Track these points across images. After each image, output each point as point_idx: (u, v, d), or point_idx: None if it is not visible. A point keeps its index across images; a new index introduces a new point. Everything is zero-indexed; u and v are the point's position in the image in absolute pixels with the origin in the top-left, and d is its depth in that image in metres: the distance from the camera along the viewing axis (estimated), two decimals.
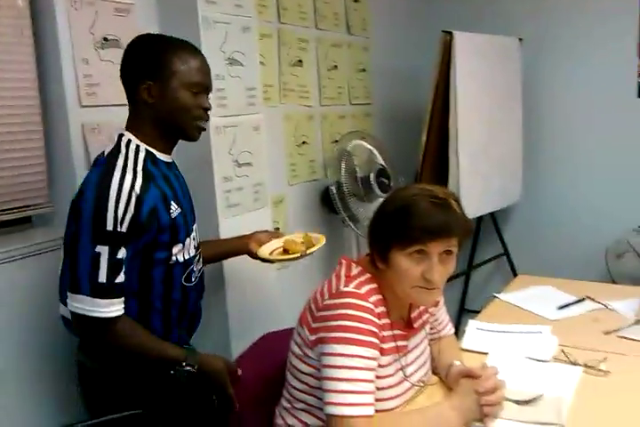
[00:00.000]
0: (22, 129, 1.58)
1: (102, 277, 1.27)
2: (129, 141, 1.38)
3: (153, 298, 1.42)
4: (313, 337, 1.31)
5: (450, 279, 3.00)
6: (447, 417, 1.27)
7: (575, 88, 3.13)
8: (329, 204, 2.47)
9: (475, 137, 2.74)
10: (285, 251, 1.66)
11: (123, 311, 1.32)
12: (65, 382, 1.60)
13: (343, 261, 1.40)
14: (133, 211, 1.28)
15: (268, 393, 1.48)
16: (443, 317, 1.59)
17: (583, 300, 1.99)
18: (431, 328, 1.57)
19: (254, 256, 1.70)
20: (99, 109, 1.68)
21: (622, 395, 1.40)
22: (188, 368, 1.37)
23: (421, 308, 1.47)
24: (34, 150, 1.61)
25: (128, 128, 1.42)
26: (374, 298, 1.30)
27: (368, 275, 1.35)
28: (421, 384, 1.43)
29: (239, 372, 1.49)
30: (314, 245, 1.65)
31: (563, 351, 1.59)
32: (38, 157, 1.62)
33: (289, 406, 1.41)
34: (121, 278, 1.30)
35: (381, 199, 2.41)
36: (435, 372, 1.51)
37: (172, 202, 1.39)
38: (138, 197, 1.29)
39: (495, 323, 1.80)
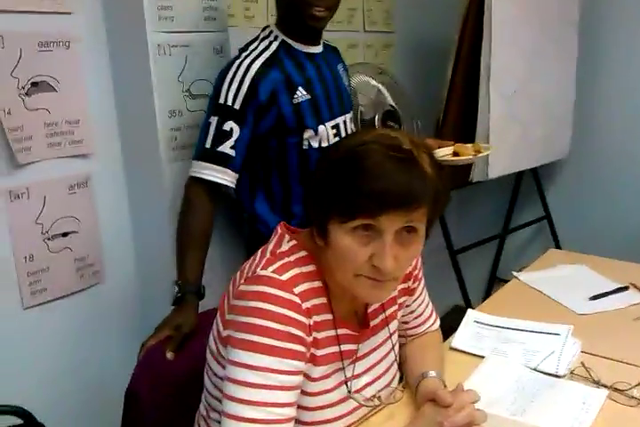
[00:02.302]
0: None
1: (208, 143, 1.39)
2: (270, 32, 1.47)
3: (292, 182, 1.50)
4: (224, 333, 0.95)
5: (481, 243, 2.70)
6: None
7: None
8: None
9: (513, 74, 2.21)
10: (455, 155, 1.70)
11: (221, 181, 1.39)
12: None
13: (278, 230, 1.01)
14: (247, 90, 1.37)
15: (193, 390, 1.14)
16: (422, 308, 1.19)
17: (626, 288, 1.54)
18: (404, 323, 1.18)
19: None
20: None
21: None
22: (176, 292, 1.33)
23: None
24: None
25: (276, 21, 1.50)
26: (304, 287, 0.92)
27: (303, 253, 0.96)
28: (375, 403, 1.05)
29: (169, 355, 1.17)
30: (483, 151, 1.72)
31: (583, 365, 1.17)
32: None
33: (205, 413, 1.07)
34: (224, 149, 1.37)
35: None
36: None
37: (300, 88, 1.44)
38: (253, 79, 1.37)
39: (502, 315, 1.38)
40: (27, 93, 1.35)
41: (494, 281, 3.10)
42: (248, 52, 1.42)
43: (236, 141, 1.38)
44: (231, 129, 1.37)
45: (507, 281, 1.68)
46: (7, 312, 1.37)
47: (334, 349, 0.97)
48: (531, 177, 2.78)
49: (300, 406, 0.95)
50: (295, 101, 1.43)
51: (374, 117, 1.98)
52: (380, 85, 2.04)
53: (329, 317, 0.96)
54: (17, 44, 1.32)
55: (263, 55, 1.41)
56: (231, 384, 0.87)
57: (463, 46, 2.17)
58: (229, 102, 1.37)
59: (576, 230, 2.78)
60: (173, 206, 1.51)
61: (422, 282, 1.17)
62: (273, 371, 0.86)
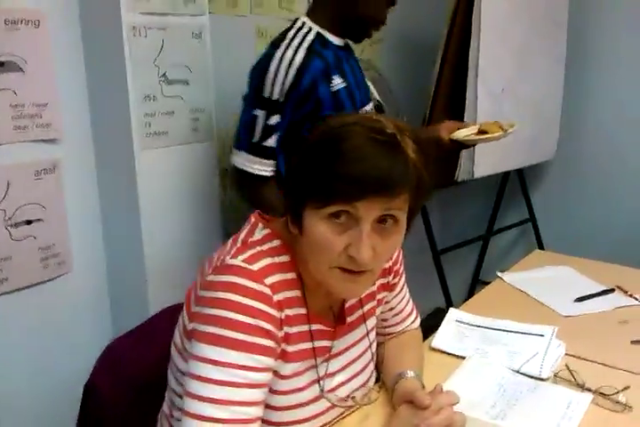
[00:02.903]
0: None
1: (256, 138, 1.42)
2: (303, 23, 1.48)
3: None
4: (190, 326, 0.89)
5: (466, 244, 2.66)
6: None
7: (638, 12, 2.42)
8: None
9: (501, 71, 2.17)
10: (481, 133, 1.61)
11: (270, 174, 1.44)
12: None
13: (252, 218, 0.95)
14: (292, 81, 1.38)
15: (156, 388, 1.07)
16: (402, 305, 1.13)
17: (612, 291, 1.50)
18: (383, 320, 1.12)
19: (444, 143, 1.56)
20: None
21: None
22: None
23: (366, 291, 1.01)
24: None
25: (307, 13, 1.52)
26: (276, 278, 0.85)
27: (277, 242, 0.90)
28: (349, 403, 0.99)
29: None
30: (509, 128, 1.60)
31: (567, 368, 1.12)
32: None
33: (168, 412, 1.01)
34: (270, 143, 1.42)
35: None
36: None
37: (336, 76, 1.46)
38: (298, 69, 1.39)
39: (485, 316, 1.33)
40: None
41: (477, 283, 3.06)
42: (287, 42, 1.43)
43: (279, 134, 1.43)
44: (277, 123, 1.42)
45: (489, 283, 1.64)
46: None
47: (307, 345, 0.91)
48: (516, 178, 2.75)
49: (267, 406, 0.89)
50: (333, 89, 1.46)
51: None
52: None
53: (302, 311, 0.90)
54: None
55: (303, 46, 1.43)
56: (194, 381, 0.81)
57: (451, 42, 2.12)
58: (275, 96, 1.39)
59: (561, 233, 2.75)
60: (146, 194, 1.44)
61: (403, 278, 1.11)
62: (239, 367, 0.80)
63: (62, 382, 1.43)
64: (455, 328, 1.28)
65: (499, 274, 1.62)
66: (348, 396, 0.98)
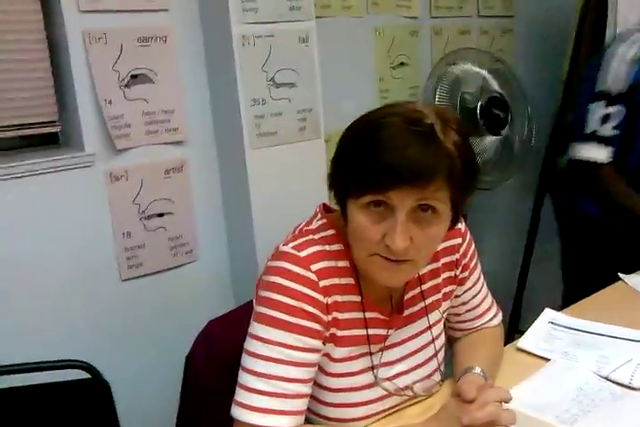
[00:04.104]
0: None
1: (591, 127, 1.62)
2: None
3: None
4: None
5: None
6: None
7: None
8: None
9: None
10: None
11: (607, 160, 1.63)
12: None
13: (316, 208, 1.01)
14: (634, 75, 1.59)
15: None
16: (476, 301, 1.11)
17: None
18: (455, 315, 1.12)
19: None
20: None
21: None
22: None
23: (429, 283, 1.02)
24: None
25: None
26: (323, 264, 0.91)
27: (331, 231, 0.95)
28: (407, 393, 1.00)
29: None
30: None
31: None
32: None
33: None
34: (606, 131, 1.61)
35: (491, 137, 1.91)
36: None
37: None
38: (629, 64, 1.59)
39: (593, 319, 1.24)
40: (127, 85, 1.49)
41: None
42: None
43: (617, 123, 1.61)
44: (613, 111, 1.60)
45: None
46: (106, 283, 1.52)
47: (360, 331, 0.95)
48: None
49: (321, 386, 0.95)
50: None
51: (476, 106, 1.88)
52: (484, 72, 1.93)
53: (356, 298, 0.94)
54: (118, 39, 1.45)
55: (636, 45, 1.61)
56: (245, 355, 0.89)
57: (585, 23, 1.98)
58: (612, 88, 1.59)
59: None
60: (257, 190, 1.57)
61: (477, 273, 1.09)
62: (283, 345, 0.87)
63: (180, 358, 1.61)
64: (546, 330, 1.22)
65: (621, 276, 1.49)
66: (406, 386, 1.00)
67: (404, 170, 0.80)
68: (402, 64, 2.04)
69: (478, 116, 1.87)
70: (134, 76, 1.50)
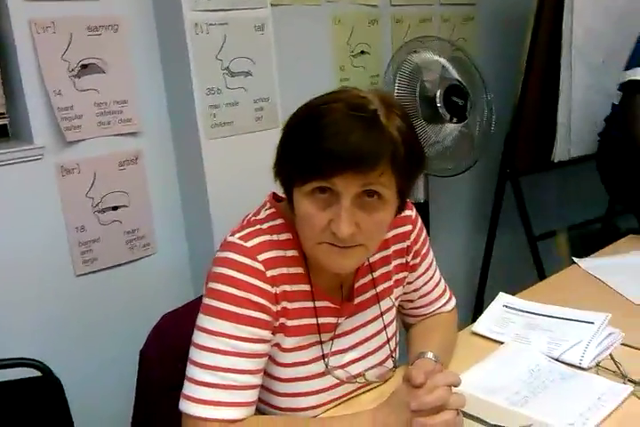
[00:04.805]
0: None
1: None
2: None
3: None
4: None
5: (581, 226, 2.48)
6: None
7: None
8: None
9: (600, 41, 2.00)
10: None
11: None
12: None
13: (266, 198, 1.00)
14: None
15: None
16: (429, 287, 1.12)
17: None
18: (409, 301, 1.12)
19: None
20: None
21: None
22: None
23: (380, 271, 1.02)
24: None
25: None
26: (271, 254, 0.90)
27: (280, 221, 0.94)
28: (361, 381, 1.00)
29: None
30: None
31: (612, 357, 1.03)
32: None
33: None
34: None
35: (452, 125, 1.92)
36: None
37: None
38: None
39: (548, 302, 1.25)
40: (77, 75, 1.45)
41: None
42: None
43: None
44: None
45: None
46: (60, 279, 1.49)
47: (310, 320, 0.94)
48: None
49: (272, 377, 0.94)
50: None
51: (435, 93, 1.88)
52: (444, 60, 1.93)
53: (305, 287, 0.94)
54: (67, 29, 1.41)
55: None
56: (192, 348, 0.88)
57: (543, 14, 1.99)
58: None
59: None
60: (214, 181, 1.55)
61: (428, 259, 1.10)
62: (230, 337, 0.86)
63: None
64: (500, 313, 1.24)
65: (575, 260, 1.51)
66: (358, 374, 1.00)
67: (346, 156, 0.79)
68: (362, 53, 2.03)
69: (438, 104, 1.88)
70: (84, 66, 1.46)
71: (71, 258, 1.50)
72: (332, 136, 0.80)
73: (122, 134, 1.55)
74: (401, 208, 0.90)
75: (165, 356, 1.17)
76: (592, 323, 1.13)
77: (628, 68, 1.72)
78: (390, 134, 0.82)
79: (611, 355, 1.05)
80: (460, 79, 1.94)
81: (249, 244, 0.89)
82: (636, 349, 1.09)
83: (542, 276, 2.18)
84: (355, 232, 0.83)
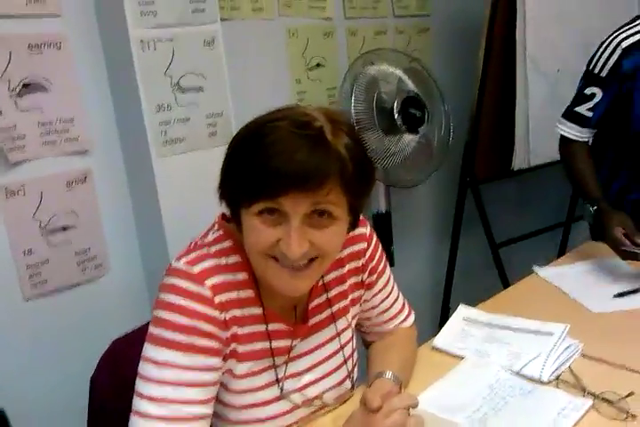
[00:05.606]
0: None
1: (573, 106, 1.62)
2: None
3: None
4: None
5: (542, 231, 2.48)
6: None
7: None
8: None
9: (555, 50, 2.03)
10: None
11: (574, 137, 1.61)
12: None
13: (216, 219, 0.97)
14: (614, 62, 1.52)
15: None
16: (387, 303, 1.09)
17: None
18: (366, 319, 1.09)
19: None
20: None
21: None
22: (591, 208, 1.49)
23: (335, 290, 0.99)
24: None
25: None
26: (219, 279, 0.86)
27: (228, 243, 0.91)
28: (317, 404, 0.97)
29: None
30: None
31: (571, 370, 1.03)
32: None
33: None
34: (582, 109, 1.58)
35: (410, 135, 1.92)
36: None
37: None
38: (623, 51, 1.51)
39: (507, 313, 1.24)
40: (18, 94, 1.40)
41: None
42: (625, 29, 1.55)
43: (595, 105, 1.56)
44: (592, 92, 1.56)
45: None
46: (8, 304, 1.43)
47: (263, 344, 0.91)
48: None
49: (225, 404, 0.91)
50: None
51: (392, 105, 1.88)
52: (400, 72, 1.93)
53: (257, 310, 0.90)
54: (6, 47, 1.36)
55: (635, 37, 1.53)
56: (138, 379, 0.84)
57: (496, 23, 2.01)
58: (596, 71, 1.55)
59: None
60: (167, 199, 1.51)
61: (386, 276, 1.08)
62: (177, 366, 0.82)
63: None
64: (461, 326, 1.22)
65: (534, 268, 1.51)
66: (316, 396, 0.97)
67: (292, 174, 0.76)
68: (318, 65, 2.01)
69: (395, 116, 1.87)
70: (26, 86, 1.41)
71: (19, 282, 1.43)
72: (277, 155, 0.77)
73: (69, 153, 1.49)
74: (354, 224, 0.88)
75: (116, 384, 1.12)
76: (551, 334, 1.12)
77: (569, 107, 1.65)
78: (337, 151, 0.79)
79: (570, 368, 1.04)
80: (416, 90, 1.94)
81: (195, 269, 0.85)
82: (595, 359, 1.08)
83: (505, 282, 2.18)
84: (307, 251, 0.81)
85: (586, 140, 1.63)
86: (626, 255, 1.38)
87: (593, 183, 1.56)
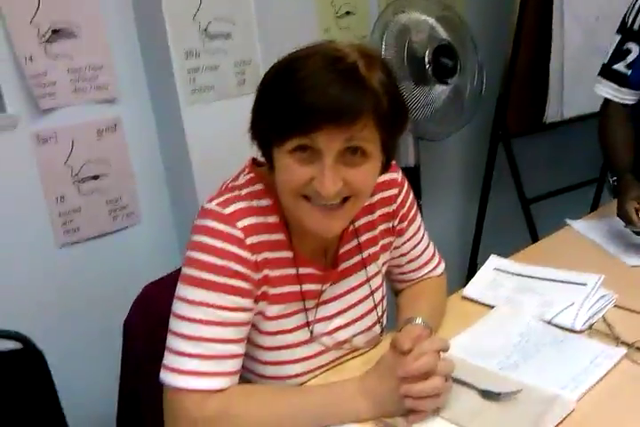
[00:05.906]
0: None
1: (606, 60, 1.49)
2: None
3: None
4: None
5: (574, 188, 2.43)
6: (350, 406, 0.84)
7: None
8: None
9: None
10: None
11: (610, 97, 1.48)
12: None
13: (246, 163, 0.96)
14: None
15: None
16: (417, 251, 1.09)
17: None
18: (397, 266, 1.09)
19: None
20: None
21: None
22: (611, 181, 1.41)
23: (365, 236, 0.99)
24: None
25: None
26: (251, 221, 0.86)
27: (259, 186, 0.90)
28: (347, 347, 0.98)
29: None
30: None
31: (605, 320, 1.02)
32: None
33: None
34: (619, 67, 1.46)
35: (441, 86, 1.87)
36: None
37: None
38: None
39: (541, 265, 1.22)
40: (47, 41, 1.38)
41: None
42: None
43: (633, 61, 1.44)
44: (628, 49, 1.44)
45: None
46: (43, 251, 1.45)
47: (294, 288, 0.91)
48: None
49: (256, 345, 0.92)
50: None
51: (424, 54, 1.82)
52: (432, 20, 1.86)
53: (288, 254, 0.90)
54: None
55: None
56: (173, 318, 0.85)
57: None
58: (629, 23, 1.44)
59: None
60: (195, 150, 1.50)
61: (416, 223, 1.06)
62: (210, 306, 0.83)
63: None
64: (492, 276, 1.21)
65: (567, 221, 1.48)
66: (345, 340, 0.98)
67: (326, 109, 0.75)
68: (348, 13, 1.95)
69: (426, 66, 1.82)
70: (55, 31, 1.40)
71: (52, 229, 1.46)
72: (311, 89, 0.76)
73: (99, 101, 1.49)
74: (386, 165, 0.87)
75: (150, 326, 1.14)
76: (585, 285, 1.11)
77: (606, 64, 1.50)
78: (372, 87, 0.77)
79: (603, 317, 1.03)
80: (449, 39, 1.88)
81: (227, 210, 0.85)
82: (629, 311, 1.07)
83: (535, 238, 2.16)
84: (340, 189, 0.80)
85: (627, 102, 1.48)
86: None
87: (623, 152, 1.43)
